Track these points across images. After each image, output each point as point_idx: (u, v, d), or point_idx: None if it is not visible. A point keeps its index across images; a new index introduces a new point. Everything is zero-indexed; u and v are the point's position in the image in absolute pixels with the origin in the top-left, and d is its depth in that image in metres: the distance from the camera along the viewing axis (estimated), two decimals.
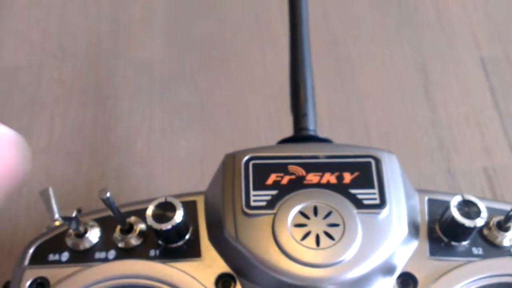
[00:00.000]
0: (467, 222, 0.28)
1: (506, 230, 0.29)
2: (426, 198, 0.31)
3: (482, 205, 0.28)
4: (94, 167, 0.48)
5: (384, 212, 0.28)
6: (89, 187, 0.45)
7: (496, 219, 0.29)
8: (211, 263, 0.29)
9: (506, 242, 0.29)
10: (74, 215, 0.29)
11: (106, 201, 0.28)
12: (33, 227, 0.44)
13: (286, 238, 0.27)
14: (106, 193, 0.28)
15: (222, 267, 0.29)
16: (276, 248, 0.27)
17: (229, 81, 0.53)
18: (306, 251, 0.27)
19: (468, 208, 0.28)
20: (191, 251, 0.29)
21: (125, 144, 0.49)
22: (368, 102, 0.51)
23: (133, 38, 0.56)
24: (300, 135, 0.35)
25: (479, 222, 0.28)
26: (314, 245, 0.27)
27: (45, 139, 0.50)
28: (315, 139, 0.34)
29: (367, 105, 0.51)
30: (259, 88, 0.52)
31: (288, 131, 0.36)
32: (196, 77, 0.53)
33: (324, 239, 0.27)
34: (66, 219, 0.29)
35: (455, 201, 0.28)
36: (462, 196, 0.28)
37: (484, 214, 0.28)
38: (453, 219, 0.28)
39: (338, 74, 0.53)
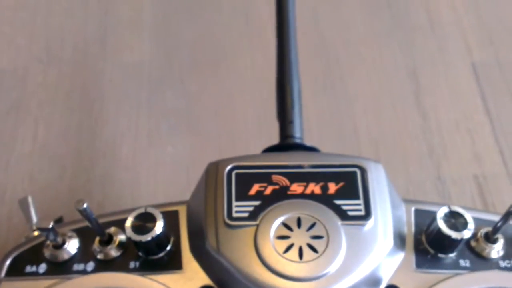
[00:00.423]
0: (454, 234, 0.27)
1: (494, 242, 0.28)
2: (413, 209, 0.30)
3: (469, 217, 0.27)
4: (79, 172, 0.47)
5: (369, 223, 0.27)
6: (73, 193, 0.44)
7: (483, 230, 0.29)
8: (192, 276, 0.28)
9: (494, 254, 0.28)
10: (51, 226, 0.28)
11: (83, 212, 0.27)
12: (15, 232, 0.43)
13: (268, 250, 0.27)
14: (83, 204, 0.27)
15: (203, 279, 0.28)
16: (258, 261, 0.26)
17: (218, 85, 0.52)
18: (288, 264, 0.26)
19: (455, 220, 0.27)
20: (172, 263, 0.29)
21: (110, 149, 0.48)
22: (358, 107, 0.50)
23: (120, 41, 0.55)
24: (286, 143, 0.34)
25: (466, 234, 0.27)
26: (297, 258, 0.26)
27: (29, 143, 0.49)
28: (301, 147, 0.34)
29: (356, 109, 0.50)
30: (247, 92, 0.52)
31: (276, 137, 0.35)
32: (184, 81, 0.52)
33: (307, 252, 0.27)
34: (43, 230, 0.28)
35: (441, 212, 0.27)
36: (449, 208, 0.28)
37: (471, 226, 0.27)
38: (439, 231, 0.27)
39: (328, 78, 0.52)
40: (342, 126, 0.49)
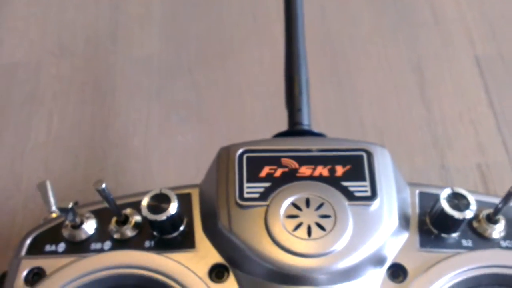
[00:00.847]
0: (457, 214, 0.28)
1: (495, 222, 0.29)
2: (417, 191, 0.31)
3: (471, 198, 0.28)
4: (92, 162, 0.48)
5: (375, 204, 0.28)
6: (87, 182, 0.46)
7: (485, 212, 0.30)
8: (205, 254, 0.29)
9: (495, 235, 0.29)
10: (70, 206, 0.29)
11: (102, 192, 0.28)
12: (31, 220, 0.45)
13: (278, 229, 0.28)
14: (102, 184, 0.28)
15: (215, 257, 0.29)
16: (268, 238, 0.28)
17: (226, 78, 0.54)
18: (297, 242, 0.27)
19: (458, 201, 0.28)
20: (186, 242, 0.30)
21: (123, 140, 0.50)
22: (364, 100, 0.51)
23: (131, 35, 0.56)
24: (295, 130, 0.35)
25: (468, 214, 0.28)
26: (305, 235, 0.28)
27: (43, 134, 0.50)
28: (309, 133, 0.35)
29: (362, 103, 0.51)
30: (255, 85, 0.53)
31: (284, 128, 0.36)
32: (194, 74, 0.54)
33: (315, 230, 0.28)
34: (63, 210, 0.30)
35: (445, 193, 0.29)
36: (452, 189, 0.29)
37: (473, 207, 0.28)
38: (442, 211, 0.28)
39: (335, 72, 0.53)
40: (348, 118, 0.50)
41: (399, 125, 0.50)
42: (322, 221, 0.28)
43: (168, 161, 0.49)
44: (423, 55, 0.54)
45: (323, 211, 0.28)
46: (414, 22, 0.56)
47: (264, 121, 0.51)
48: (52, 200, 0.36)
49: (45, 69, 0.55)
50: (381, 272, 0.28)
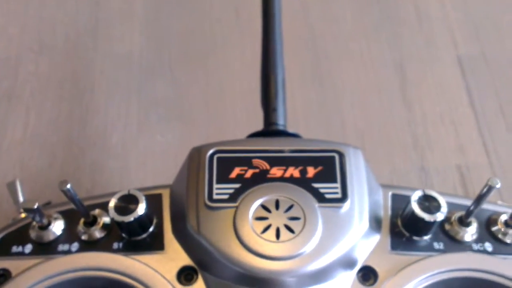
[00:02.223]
0: (427, 217, 0.28)
1: (467, 225, 0.29)
2: (390, 193, 0.31)
3: (442, 200, 0.28)
4: (69, 160, 0.48)
5: (345, 206, 0.28)
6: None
7: (457, 214, 0.30)
8: (174, 256, 0.29)
9: (467, 237, 0.29)
10: (36, 206, 0.29)
11: (67, 193, 0.28)
12: (5, 220, 0.44)
13: (246, 231, 0.27)
14: (66, 184, 0.28)
15: (184, 260, 0.29)
16: (236, 241, 0.27)
17: (207, 76, 0.53)
18: (266, 244, 0.27)
19: (429, 203, 0.28)
20: (155, 244, 0.30)
21: (101, 138, 0.49)
22: (345, 100, 0.51)
23: (111, 32, 0.56)
24: (269, 130, 0.35)
25: (439, 216, 0.28)
26: (274, 238, 0.27)
27: (20, 131, 0.50)
28: (284, 133, 0.35)
29: (344, 103, 0.51)
30: (237, 83, 0.52)
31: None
32: (174, 72, 0.53)
33: (284, 232, 0.27)
34: (29, 210, 0.29)
35: (415, 196, 0.28)
36: (423, 191, 0.28)
37: (444, 209, 0.28)
38: (413, 213, 0.28)
39: (316, 71, 0.53)
40: (329, 118, 0.50)
41: (380, 126, 0.49)
42: (291, 223, 0.28)
43: (146, 160, 0.48)
44: (405, 54, 0.53)
45: (292, 213, 0.28)
46: (397, 21, 0.55)
47: (245, 120, 0.50)
48: (21, 199, 0.35)
49: (23, 65, 0.54)
50: (352, 274, 0.28)
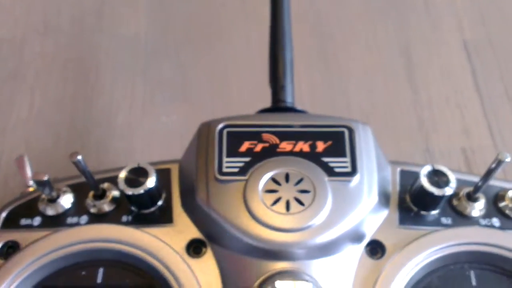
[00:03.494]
0: (436, 191, 0.28)
1: (475, 200, 0.29)
2: (399, 170, 0.31)
3: (451, 175, 0.28)
4: (74, 140, 0.48)
5: (355, 180, 0.28)
6: (68, 159, 0.45)
7: (465, 190, 0.30)
8: (183, 229, 0.29)
9: (475, 213, 0.29)
10: (46, 178, 0.29)
11: (78, 164, 0.28)
12: (11, 198, 0.44)
13: (256, 203, 0.27)
14: (77, 155, 0.28)
15: (193, 233, 0.29)
16: (246, 213, 0.27)
17: (212, 58, 0.53)
18: (276, 216, 0.27)
19: (438, 178, 0.28)
20: (163, 217, 0.30)
21: (106, 118, 0.49)
22: (351, 83, 0.51)
23: (117, 14, 0.55)
24: (278, 106, 0.35)
25: (448, 191, 0.28)
26: (284, 210, 0.27)
27: (25, 111, 0.49)
28: (292, 110, 0.35)
29: (349, 85, 0.51)
30: (242, 65, 0.52)
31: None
32: (180, 53, 0.53)
33: (294, 205, 0.27)
34: (39, 183, 0.29)
35: (425, 170, 0.28)
36: (432, 166, 0.29)
37: (453, 184, 0.28)
38: (422, 187, 0.28)
39: (322, 54, 0.53)
40: (334, 100, 0.50)
41: (385, 108, 0.49)
42: (301, 196, 0.28)
43: (152, 141, 0.48)
44: (411, 38, 0.53)
45: (302, 186, 0.28)
46: (403, 5, 0.55)
47: (250, 102, 0.50)
48: (29, 174, 0.35)
49: (29, 46, 0.54)
50: (360, 248, 0.28)
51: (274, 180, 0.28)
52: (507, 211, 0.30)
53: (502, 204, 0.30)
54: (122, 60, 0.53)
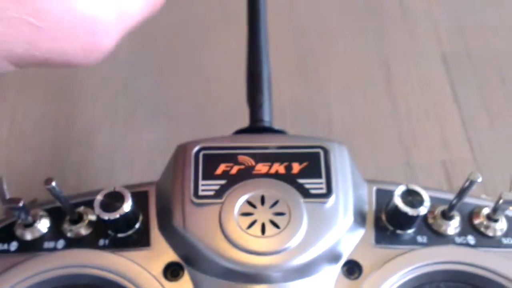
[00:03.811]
0: (410, 211, 0.28)
1: (450, 219, 0.30)
2: (375, 188, 0.31)
3: (425, 195, 0.29)
4: (55, 159, 0.47)
5: (330, 201, 0.28)
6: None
7: (440, 208, 0.30)
8: (160, 252, 0.29)
9: (450, 231, 0.30)
10: (21, 204, 0.29)
11: (52, 190, 0.28)
12: None
13: (232, 226, 0.28)
14: (51, 182, 0.28)
15: (170, 256, 0.29)
16: (222, 236, 0.28)
17: (194, 72, 0.53)
18: (251, 239, 0.27)
19: (412, 197, 0.29)
20: (140, 240, 0.30)
21: (87, 137, 0.49)
22: (331, 96, 0.51)
23: None
24: (255, 126, 0.35)
25: (422, 210, 0.28)
26: (259, 233, 0.27)
27: (6, 129, 0.49)
28: (270, 130, 0.35)
29: (329, 98, 0.51)
30: (224, 79, 0.52)
31: None
32: (162, 68, 0.53)
33: (269, 228, 0.28)
34: (14, 209, 0.29)
35: (399, 190, 0.29)
36: (406, 186, 0.29)
37: (427, 203, 0.28)
38: (396, 207, 0.28)
39: (302, 67, 0.53)
40: (315, 113, 0.50)
41: (365, 121, 0.50)
42: (277, 219, 0.28)
43: (133, 158, 0.48)
44: (390, 50, 0.54)
45: (277, 208, 0.28)
46: (382, 17, 0.56)
47: (233, 116, 0.50)
48: (6, 196, 0.35)
49: None
50: (336, 268, 0.28)
51: (249, 202, 0.28)
52: (481, 229, 0.30)
53: (477, 222, 0.30)
54: (104, 76, 0.52)
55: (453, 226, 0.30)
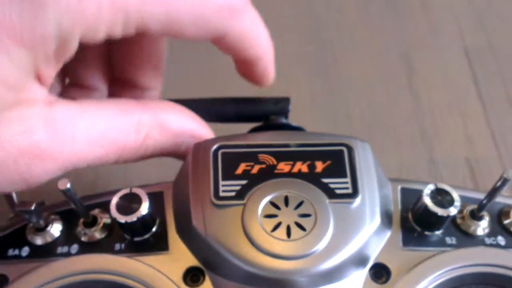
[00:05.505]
0: (440, 211, 0.29)
1: (479, 219, 0.30)
2: (399, 187, 0.32)
3: (455, 194, 0.29)
4: None
5: (357, 201, 0.29)
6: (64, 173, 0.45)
7: (469, 208, 0.31)
8: (179, 257, 0.30)
9: (479, 231, 0.31)
10: (33, 208, 0.29)
11: (67, 193, 0.28)
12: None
13: (256, 229, 0.28)
14: (67, 183, 0.28)
15: (190, 260, 0.29)
16: (245, 240, 0.28)
17: (210, 68, 0.53)
18: (276, 243, 0.28)
19: (441, 197, 0.29)
20: (158, 245, 0.30)
21: None
22: (351, 91, 0.52)
23: None
24: (272, 123, 0.36)
25: (452, 211, 0.29)
26: (284, 236, 0.28)
27: None
28: (287, 127, 0.35)
29: (349, 94, 0.52)
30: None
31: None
32: (178, 61, 0.53)
33: (295, 230, 0.28)
34: (25, 212, 0.30)
35: (428, 190, 0.29)
36: (435, 185, 0.30)
37: (457, 203, 0.29)
38: (426, 208, 0.29)
39: (321, 62, 0.54)
40: (335, 109, 0.51)
41: (387, 117, 0.51)
42: (302, 221, 0.29)
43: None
44: (411, 44, 0.55)
45: (302, 209, 0.29)
46: (403, 10, 0.57)
47: None
48: (16, 200, 0.35)
49: None
50: (363, 272, 0.29)
51: (273, 204, 0.29)
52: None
53: (506, 222, 0.31)
54: None
55: (482, 227, 0.31)
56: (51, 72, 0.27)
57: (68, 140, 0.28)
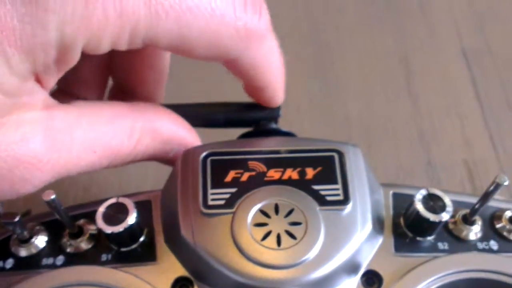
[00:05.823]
0: (432, 217, 0.29)
1: (472, 223, 0.31)
2: (391, 192, 0.32)
3: (447, 199, 0.30)
4: None
5: (348, 208, 0.30)
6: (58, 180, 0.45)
7: (461, 212, 0.31)
8: (168, 267, 0.30)
9: (471, 236, 0.31)
10: (17, 219, 0.30)
11: (51, 204, 0.29)
12: None
13: (245, 238, 0.29)
14: (51, 195, 0.29)
15: (179, 270, 0.30)
16: (235, 249, 0.28)
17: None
18: (266, 252, 0.28)
19: (433, 202, 0.30)
20: (146, 255, 0.31)
21: None
22: (349, 93, 0.53)
23: None
24: (262, 129, 0.36)
25: (445, 216, 0.29)
26: (275, 245, 0.28)
27: None
28: (277, 132, 0.36)
29: (347, 95, 0.53)
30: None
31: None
32: (173, 68, 0.54)
33: (285, 239, 0.29)
34: (9, 224, 0.30)
35: (420, 195, 0.30)
36: (427, 190, 0.30)
37: (449, 208, 0.30)
38: (418, 213, 0.30)
39: (319, 64, 0.55)
40: (333, 111, 0.52)
41: (385, 119, 0.52)
42: (292, 229, 0.29)
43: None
44: (410, 47, 0.56)
45: (293, 217, 0.29)
46: (401, 12, 0.58)
47: None
48: (1, 210, 0.36)
49: None
50: (355, 280, 0.30)
51: (262, 212, 0.30)
52: (504, 233, 0.31)
53: (499, 226, 0.31)
54: None
55: (474, 231, 0.31)
56: (51, 79, 0.27)
57: (66, 148, 0.28)
